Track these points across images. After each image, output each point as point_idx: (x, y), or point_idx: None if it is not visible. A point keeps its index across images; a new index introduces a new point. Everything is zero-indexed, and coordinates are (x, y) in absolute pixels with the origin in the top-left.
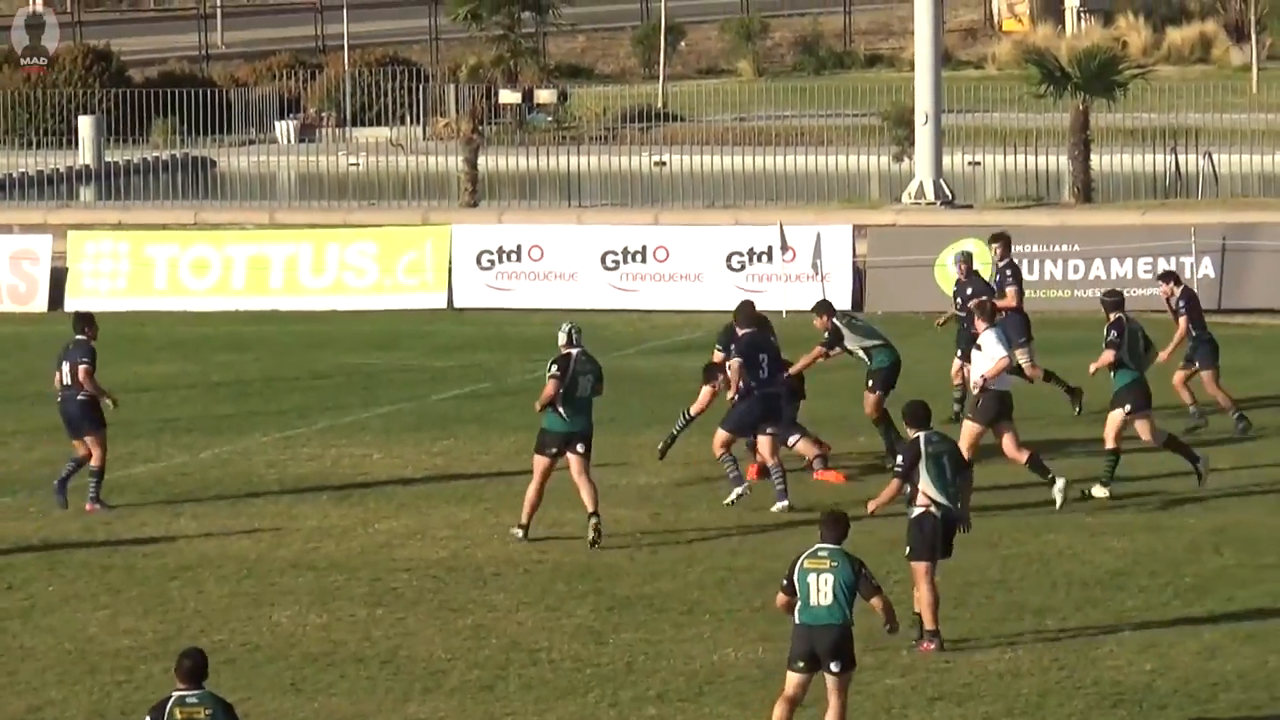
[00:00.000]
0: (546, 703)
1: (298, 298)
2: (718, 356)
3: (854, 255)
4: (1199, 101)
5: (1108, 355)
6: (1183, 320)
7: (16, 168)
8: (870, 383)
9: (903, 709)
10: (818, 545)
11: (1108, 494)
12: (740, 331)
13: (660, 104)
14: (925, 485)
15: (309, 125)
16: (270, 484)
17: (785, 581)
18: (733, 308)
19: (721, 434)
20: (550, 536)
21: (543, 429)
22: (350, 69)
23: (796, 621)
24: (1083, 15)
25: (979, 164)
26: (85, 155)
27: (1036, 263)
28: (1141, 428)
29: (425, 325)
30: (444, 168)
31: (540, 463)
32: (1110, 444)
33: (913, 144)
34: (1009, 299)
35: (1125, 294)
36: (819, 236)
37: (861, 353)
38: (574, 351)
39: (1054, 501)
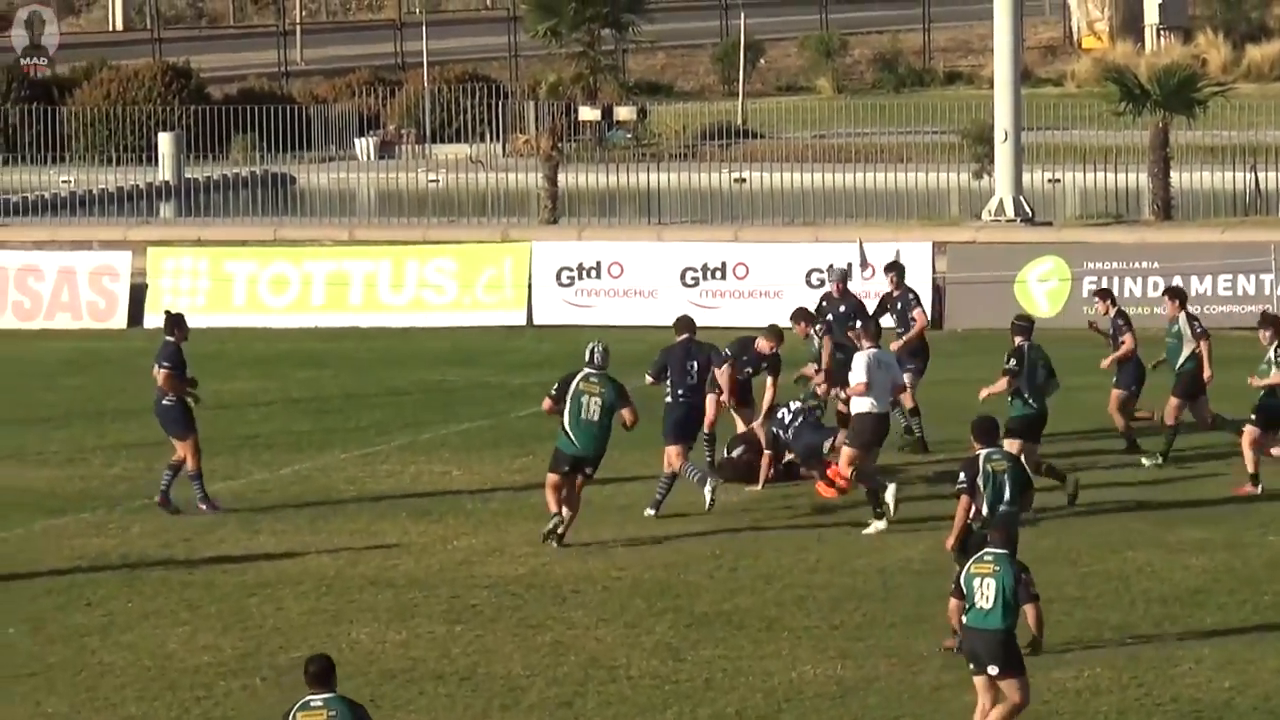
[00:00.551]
0: (625, 719)
1: (377, 314)
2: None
3: (933, 272)
4: (1279, 119)
5: (1002, 382)
6: (1128, 338)
7: (97, 184)
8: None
9: None
10: (985, 549)
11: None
12: (677, 339)
13: (740, 121)
14: (978, 502)
15: (388, 142)
16: (349, 500)
17: (954, 585)
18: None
19: (672, 448)
20: (628, 551)
21: (555, 446)
22: (430, 86)
23: (965, 624)
24: (1162, 33)
25: (1059, 181)
26: (165, 172)
27: (1116, 280)
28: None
29: (504, 342)
30: (523, 184)
31: (550, 479)
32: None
33: (992, 161)
34: (919, 322)
35: (1205, 311)
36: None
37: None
38: (582, 371)
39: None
